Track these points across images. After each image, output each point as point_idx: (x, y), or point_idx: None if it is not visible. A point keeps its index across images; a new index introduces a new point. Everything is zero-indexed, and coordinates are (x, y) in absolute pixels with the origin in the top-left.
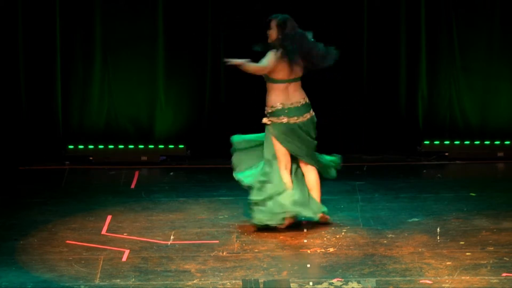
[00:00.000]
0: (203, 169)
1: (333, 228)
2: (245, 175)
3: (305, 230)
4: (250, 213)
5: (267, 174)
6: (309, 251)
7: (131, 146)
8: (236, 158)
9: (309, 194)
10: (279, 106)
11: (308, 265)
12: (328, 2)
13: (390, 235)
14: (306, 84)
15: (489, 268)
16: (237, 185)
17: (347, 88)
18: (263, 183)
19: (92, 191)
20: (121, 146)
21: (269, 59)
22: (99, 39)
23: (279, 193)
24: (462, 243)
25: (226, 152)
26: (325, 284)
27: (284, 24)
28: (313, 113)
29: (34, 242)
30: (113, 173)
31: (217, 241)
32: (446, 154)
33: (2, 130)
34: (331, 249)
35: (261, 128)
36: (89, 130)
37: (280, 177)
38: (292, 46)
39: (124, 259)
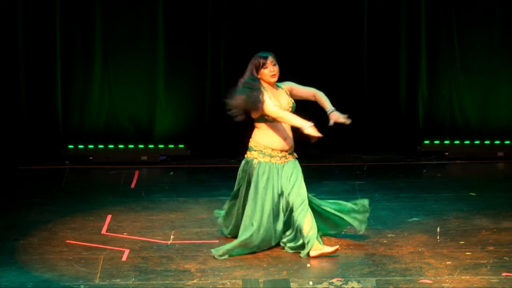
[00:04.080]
0: (203, 169)
1: None
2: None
3: None
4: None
5: None
6: None
7: (131, 146)
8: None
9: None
10: None
11: (308, 265)
12: (328, 2)
13: (390, 235)
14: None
15: (489, 267)
16: None
17: (347, 88)
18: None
19: (92, 191)
20: (121, 146)
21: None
22: (99, 39)
23: None
24: (462, 242)
25: (226, 152)
26: (325, 284)
27: None
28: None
29: (34, 242)
30: (113, 173)
31: (217, 241)
32: (446, 154)
33: (2, 130)
34: None
35: None
36: (89, 130)
37: None
38: None
39: (124, 258)
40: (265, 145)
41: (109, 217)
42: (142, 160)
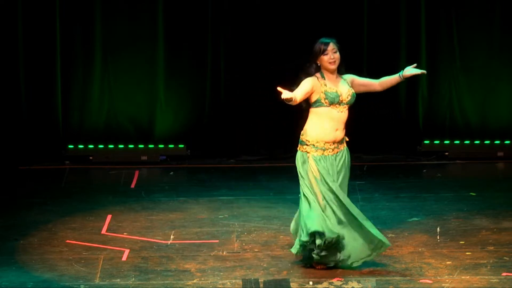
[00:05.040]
0: (203, 169)
1: None
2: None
3: None
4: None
5: None
6: None
7: (131, 146)
8: None
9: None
10: None
11: (308, 265)
12: (328, 2)
13: (390, 235)
14: None
15: (489, 267)
16: (237, 184)
17: None
18: None
19: (92, 191)
20: (121, 146)
21: None
22: (99, 39)
23: None
24: (462, 242)
25: (226, 152)
26: (325, 284)
27: None
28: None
29: (34, 242)
30: (113, 172)
31: (217, 241)
32: (446, 154)
33: (2, 130)
34: None
35: (259, 130)
36: (89, 130)
37: None
38: None
39: (124, 258)
40: (317, 139)
41: (109, 217)
42: (142, 160)
